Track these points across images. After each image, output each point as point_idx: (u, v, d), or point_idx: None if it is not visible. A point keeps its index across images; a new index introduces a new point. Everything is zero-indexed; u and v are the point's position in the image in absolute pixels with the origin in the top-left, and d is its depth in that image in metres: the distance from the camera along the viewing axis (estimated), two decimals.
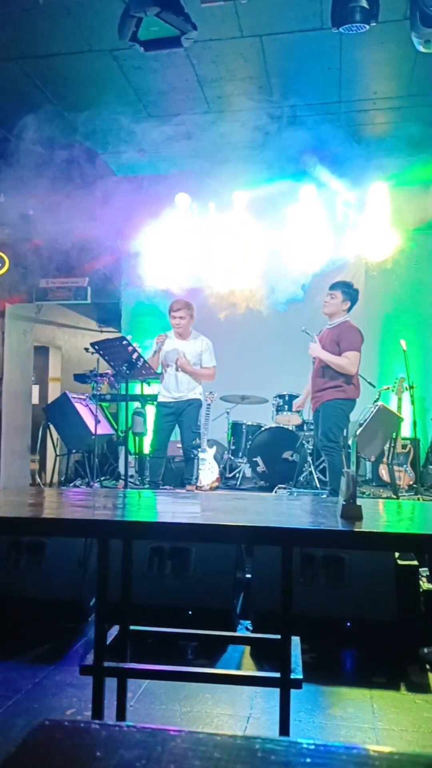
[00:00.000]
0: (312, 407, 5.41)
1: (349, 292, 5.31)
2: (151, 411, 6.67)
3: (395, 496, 6.19)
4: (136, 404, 7.17)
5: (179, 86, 6.18)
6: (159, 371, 5.87)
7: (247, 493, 6.59)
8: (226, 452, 7.31)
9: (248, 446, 6.97)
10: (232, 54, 5.67)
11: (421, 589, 3.62)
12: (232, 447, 7.27)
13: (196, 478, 6.24)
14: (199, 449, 6.08)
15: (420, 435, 6.98)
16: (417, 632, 3.47)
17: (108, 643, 2.28)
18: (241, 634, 3.54)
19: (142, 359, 5.43)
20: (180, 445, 6.22)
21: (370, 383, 6.18)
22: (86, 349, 6.19)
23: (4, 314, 8.00)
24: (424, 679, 3.20)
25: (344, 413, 5.27)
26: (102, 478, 7.20)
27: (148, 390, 7.35)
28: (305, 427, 6.85)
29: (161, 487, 6.11)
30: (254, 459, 6.87)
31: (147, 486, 6.18)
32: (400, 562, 3.58)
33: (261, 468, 6.83)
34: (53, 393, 9.32)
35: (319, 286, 8.00)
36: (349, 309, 5.34)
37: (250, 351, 7.92)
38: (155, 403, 6.07)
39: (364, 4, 3.97)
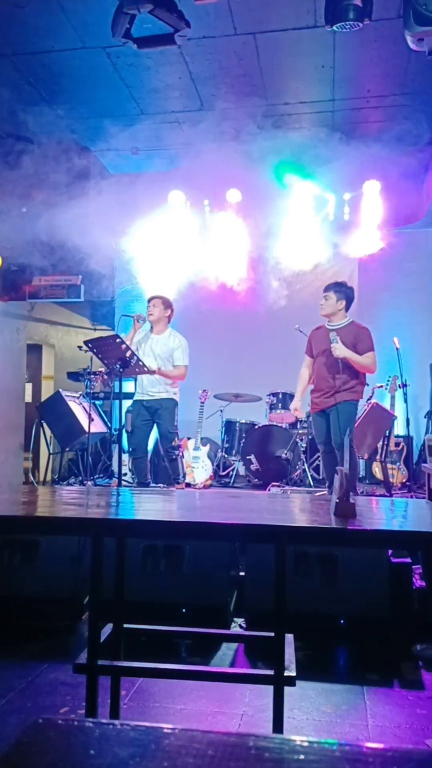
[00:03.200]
0: (319, 405, 5.31)
1: (343, 291, 5.31)
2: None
3: (388, 494, 6.22)
4: (129, 402, 7.15)
5: (173, 84, 6.16)
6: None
7: (241, 491, 6.60)
8: (219, 450, 7.32)
9: (242, 444, 6.97)
10: (226, 51, 5.66)
11: (414, 587, 3.64)
12: (226, 445, 7.27)
13: (183, 476, 6.23)
14: (178, 449, 6.04)
15: (413, 433, 7.01)
16: (410, 629, 3.48)
17: (101, 641, 2.27)
18: (234, 632, 3.55)
19: (135, 357, 5.42)
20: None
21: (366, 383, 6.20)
22: (80, 347, 6.16)
23: None
24: (417, 675, 3.22)
25: (356, 413, 5.42)
26: (95, 477, 7.19)
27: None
28: (299, 425, 6.85)
29: (153, 485, 6.10)
30: (248, 457, 6.87)
31: (138, 486, 6.17)
32: (393, 559, 3.59)
33: (254, 466, 6.84)
34: (46, 391, 9.29)
35: (313, 285, 8.03)
36: (347, 308, 5.34)
37: (244, 349, 7.93)
38: (132, 401, 6.04)
39: (358, 2, 3.97)
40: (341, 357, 5.05)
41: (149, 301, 6.02)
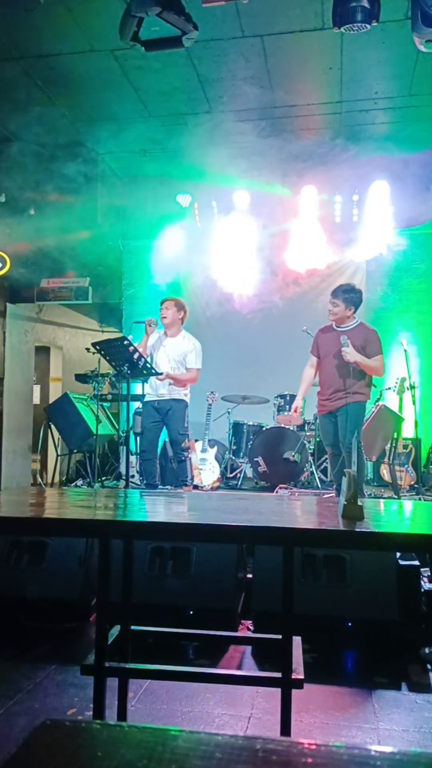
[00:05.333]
0: (326, 407, 5.29)
1: (350, 297, 5.28)
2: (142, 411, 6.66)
3: (396, 496, 6.20)
4: (137, 404, 7.16)
5: (180, 86, 6.18)
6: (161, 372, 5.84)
7: (248, 493, 6.59)
8: (227, 452, 7.31)
9: (249, 446, 6.96)
10: (234, 54, 5.67)
11: (422, 589, 3.62)
12: (233, 447, 7.27)
13: (191, 479, 6.22)
14: (188, 451, 6.03)
15: (421, 435, 6.98)
16: (418, 632, 3.47)
17: (109, 643, 2.28)
18: (242, 634, 3.54)
19: (143, 359, 5.43)
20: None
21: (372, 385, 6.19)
22: (87, 349, 6.18)
23: (5, 314, 8.01)
24: (426, 678, 3.20)
25: (364, 414, 5.42)
26: (103, 478, 7.21)
27: (148, 390, 7.34)
28: (306, 428, 6.84)
29: (161, 487, 6.10)
30: (255, 459, 6.86)
31: (145, 488, 6.18)
32: (401, 562, 3.58)
33: (262, 468, 6.83)
34: (54, 393, 9.32)
35: (320, 286, 8.02)
36: (355, 311, 5.33)
37: (251, 351, 7.92)
38: (142, 402, 6.02)
39: (365, 3, 3.97)
40: (353, 362, 5.05)
41: (162, 303, 5.98)
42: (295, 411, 5.59)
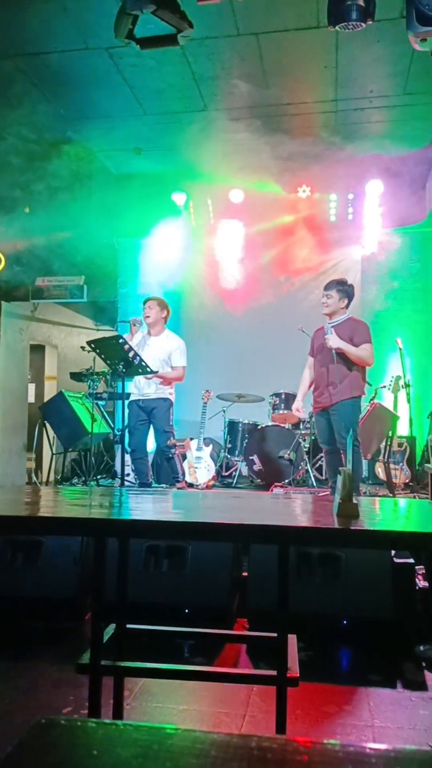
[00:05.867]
0: (320, 404, 5.25)
1: (344, 289, 5.28)
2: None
3: (391, 494, 6.21)
4: None
5: (175, 84, 6.16)
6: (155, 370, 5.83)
7: (244, 491, 6.60)
8: (222, 451, 7.31)
9: (244, 445, 6.97)
10: (229, 52, 5.66)
11: (416, 587, 3.63)
12: (229, 445, 7.27)
13: (183, 475, 6.23)
14: (174, 448, 6.03)
15: (416, 433, 7.00)
16: (413, 630, 3.48)
17: (104, 641, 2.28)
18: (237, 632, 3.54)
19: (138, 357, 5.42)
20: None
21: (366, 381, 6.19)
22: (82, 348, 6.17)
23: None
24: (420, 676, 3.21)
25: (359, 410, 5.34)
26: (98, 477, 7.20)
27: None
28: (301, 426, 6.85)
29: (155, 485, 6.10)
30: (250, 457, 6.87)
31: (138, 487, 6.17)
32: (396, 560, 3.59)
33: (257, 466, 6.83)
34: (49, 391, 9.30)
35: (315, 285, 8.03)
36: (347, 305, 5.32)
37: (247, 350, 7.92)
38: (127, 402, 6.01)
39: (361, 2, 3.97)
40: (335, 347, 5.01)
41: (144, 303, 5.99)
42: (297, 411, 5.58)
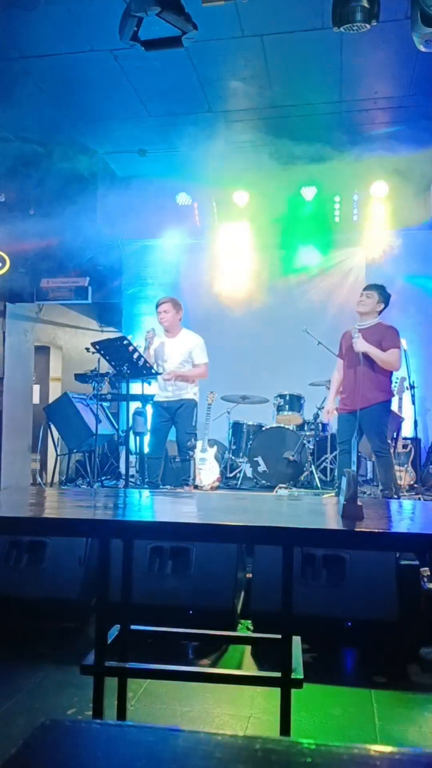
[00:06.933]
0: (347, 406, 5.26)
1: (385, 294, 5.35)
2: (151, 411, 6.66)
3: (396, 496, 6.19)
4: (137, 404, 7.16)
5: (180, 86, 6.17)
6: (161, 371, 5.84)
7: (248, 492, 6.59)
8: (226, 452, 7.31)
9: (249, 446, 6.96)
10: (233, 54, 5.67)
11: (421, 589, 3.62)
12: (233, 447, 7.27)
13: (193, 479, 6.22)
14: (194, 450, 6.03)
15: (421, 435, 6.98)
16: (417, 632, 3.47)
17: (108, 642, 2.28)
18: (241, 634, 3.54)
19: (142, 359, 5.43)
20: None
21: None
22: (87, 349, 6.17)
23: (4, 314, 8.00)
24: (425, 678, 3.20)
25: (389, 414, 5.39)
26: (103, 478, 7.20)
27: (148, 390, 7.34)
28: (306, 427, 6.84)
29: (161, 487, 6.10)
30: (255, 459, 6.86)
31: (146, 486, 6.18)
32: (401, 562, 3.58)
33: (262, 468, 6.83)
34: (54, 393, 9.31)
35: (320, 286, 8.03)
36: (382, 311, 5.37)
37: (251, 351, 7.92)
38: (151, 402, 6.03)
39: (365, 3, 3.96)
40: (362, 351, 5.05)
41: (158, 306, 5.93)
42: (328, 414, 5.62)
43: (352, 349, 5.16)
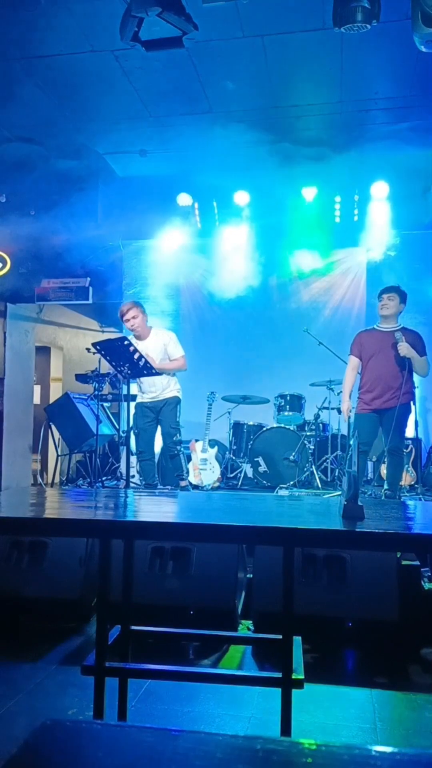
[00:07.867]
0: (371, 406, 5.31)
1: (404, 295, 5.40)
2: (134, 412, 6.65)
3: (397, 497, 6.19)
4: None
5: (181, 86, 6.17)
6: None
7: (249, 493, 6.58)
8: (227, 452, 7.31)
9: (250, 446, 6.96)
10: (234, 54, 5.67)
11: (423, 589, 3.62)
12: (234, 447, 7.27)
13: (187, 472, 6.24)
14: (180, 445, 6.04)
15: (422, 435, 6.97)
16: (418, 632, 3.47)
17: (109, 643, 2.28)
18: (242, 634, 3.54)
19: (143, 359, 5.43)
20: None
21: None
22: (88, 350, 6.17)
23: (5, 314, 8.01)
24: (426, 679, 3.20)
25: (410, 415, 5.46)
26: (103, 478, 7.20)
27: None
28: (306, 428, 6.84)
29: (160, 487, 6.10)
30: (256, 459, 6.86)
31: (146, 488, 6.18)
32: (402, 562, 3.58)
33: (262, 468, 6.83)
34: (55, 393, 9.33)
35: (320, 286, 8.03)
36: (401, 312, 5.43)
37: (252, 351, 7.92)
38: (134, 404, 6.01)
39: (366, 3, 3.97)
40: (409, 356, 5.12)
41: (123, 316, 5.85)
42: (348, 412, 5.63)
43: (385, 350, 5.19)
